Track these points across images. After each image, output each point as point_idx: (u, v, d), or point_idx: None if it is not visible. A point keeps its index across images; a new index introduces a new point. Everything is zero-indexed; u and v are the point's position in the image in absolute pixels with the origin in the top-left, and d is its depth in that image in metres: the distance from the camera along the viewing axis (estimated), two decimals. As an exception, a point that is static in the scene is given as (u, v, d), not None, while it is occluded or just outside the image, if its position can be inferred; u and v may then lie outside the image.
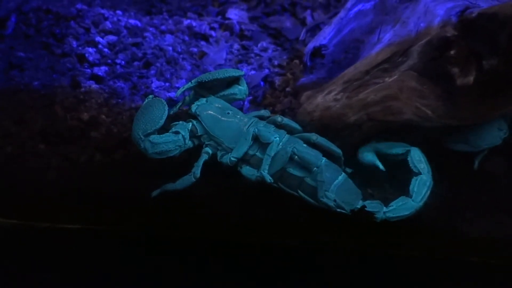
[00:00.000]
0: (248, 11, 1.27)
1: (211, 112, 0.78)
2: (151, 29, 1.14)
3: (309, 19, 1.25)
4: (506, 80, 0.72)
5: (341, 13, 0.92)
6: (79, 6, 1.12)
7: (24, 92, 0.94)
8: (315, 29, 1.22)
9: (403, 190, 0.78)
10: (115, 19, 1.12)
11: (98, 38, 1.03)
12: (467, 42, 0.74)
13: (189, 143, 0.77)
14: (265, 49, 1.13)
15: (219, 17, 1.24)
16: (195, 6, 1.28)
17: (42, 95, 0.93)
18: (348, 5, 0.92)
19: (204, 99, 0.81)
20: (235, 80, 0.86)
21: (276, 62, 1.08)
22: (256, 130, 0.75)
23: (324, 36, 0.90)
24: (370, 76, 0.80)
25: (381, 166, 0.79)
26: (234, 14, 1.24)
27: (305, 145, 0.76)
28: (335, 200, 0.73)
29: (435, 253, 0.85)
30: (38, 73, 0.98)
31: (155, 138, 0.74)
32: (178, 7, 1.26)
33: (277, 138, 0.73)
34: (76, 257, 0.82)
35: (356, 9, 0.91)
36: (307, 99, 0.83)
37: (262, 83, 1.01)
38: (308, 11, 1.27)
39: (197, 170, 0.75)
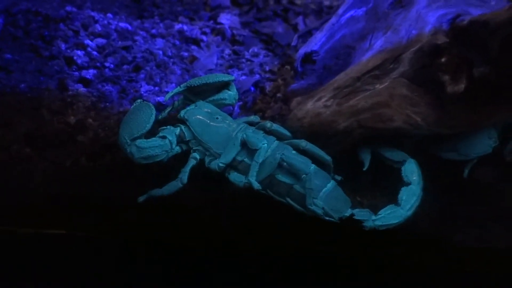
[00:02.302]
0: (240, 16, 1.26)
1: (200, 117, 0.77)
2: (141, 32, 1.13)
3: (301, 25, 1.25)
4: (496, 88, 0.71)
5: (333, 19, 0.91)
6: (68, 8, 1.10)
7: (10, 94, 0.92)
8: (307, 35, 1.22)
9: (393, 198, 0.78)
10: (105, 22, 1.11)
11: (87, 41, 1.02)
12: (458, 49, 0.74)
13: (177, 148, 0.76)
14: (256, 55, 1.13)
15: (211, 21, 1.23)
16: (187, 11, 1.27)
17: (29, 98, 0.91)
18: (340, 11, 0.92)
19: (193, 104, 0.80)
20: (225, 85, 0.85)
21: (267, 68, 1.08)
22: (245, 135, 0.74)
23: (315, 42, 0.90)
24: (361, 83, 0.80)
25: (365, 165, 0.79)
26: (226, 19, 1.23)
27: (294, 151, 0.75)
28: (323, 208, 0.72)
29: (425, 262, 0.85)
30: (25, 75, 0.96)
31: (141, 142, 0.73)
32: (169, 11, 1.25)
33: (265, 145, 0.72)
34: (61, 263, 0.80)
35: (348, 15, 0.91)
36: (297, 105, 0.82)
37: (252, 88, 1.01)
38: (300, 17, 1.26)
39: (184, 175, 0.74)
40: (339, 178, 0.79)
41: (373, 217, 0.73)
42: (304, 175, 0.73)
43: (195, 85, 0.82)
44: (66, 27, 1.06)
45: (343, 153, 0.81)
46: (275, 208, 0.76)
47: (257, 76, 1.04)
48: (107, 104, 0.92)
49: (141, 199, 0.77)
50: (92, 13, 1.12)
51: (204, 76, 0.84)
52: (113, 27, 1.10)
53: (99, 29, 1.07)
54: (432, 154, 0.85)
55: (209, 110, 0.79)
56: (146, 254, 0.80)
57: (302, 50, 0.91)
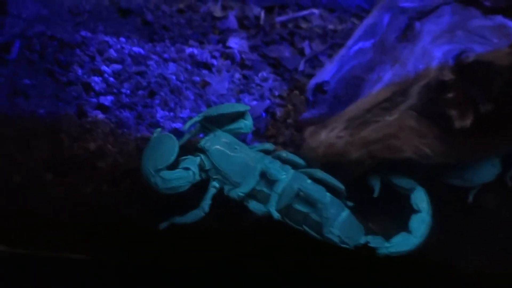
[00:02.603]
0: (248, 40, 1.30)
1: (219, 147, 0.81)
2: (154, 56, 1.15)
3: (307, 50, 1.29)
4: (501, 123, 0.76)
5: (342, 51, 0.95)
6: (83, 33, 1.13)
7: (29, 120, 0.95)
8: (313, 60, 1.26)
9: (403, 225, 0.82)
10: (118, 46, 1.14)
11: (104, 67, 1.05)
12: (464, 85, 0.79)
13: (198, 178, 0.79)
14: (265, 79, 1.16)
15: (220, 45, 1.26)
16: (196, 34, 1.30)
17: (48, 123, 0.94)
18: (349, 43, 0.96)
19: (212, 134, 0.84)
20: (240, 114, 0.89)
21: (276, 93, 1.11)
22: (264, 167, 0.77)
23: (326, 73, 0.94)
24: (371, 115, 0.83)
25: (375, 192, 0.83)
26: (235, 42, 1.27)
27: (310, 181, 0.78)
28: (339, 236, 0.75)
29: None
30: (43, 100, 0.99)
31: (166, 174, 0.76)
32: (179, 34, 1.28)
33: (285, 177, 0.76)
34: None
35: (356, 47, 0.95)
36: (311, 135, 0.86)
37: (264, 114, 1.04)
38: (306, 42, 1.30)
39: (205, 204, 0.77)
40: (350, 204, 0.82)
41: (386, 244, 0.77)
42: (320, 204, 0.76)
43: (213, 115, 0.85)
44: (82, 52, 1.08)
45: (354, 180, 0.85)
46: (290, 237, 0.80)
47: (268, 102, 1.07)
48: (125, 130, 0.94)
49: (163, 225, 0.80)
50: (106, 38, 1.15)
51: (220, 105, 0.87)
52: (126, 51, 1.13)
53: (114, 54, 1.10)
54: (438, 180, 0.89)
55: (227, 141, 0.83)
56: (167, 280, 0.83)
57: (313, 81, 0.95)
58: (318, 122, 0.89)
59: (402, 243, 0.77)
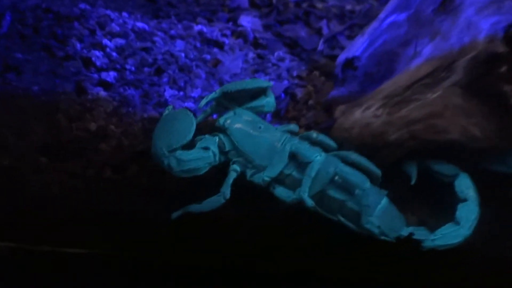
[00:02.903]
0: (260, 19, 1.20)
1: (241, 126, 0.71)
2: (159, 33, 1.06)
3: (325, 29, 1.20)
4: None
5: (374, 24, 0.86)
6: (82, 6, 1.03)
7: (22, 97, 0.84)
8: (332, 40, 1.17)
9: (445, 216, 0.73)
10: (121, 21, 1.04)
11: (105, 41, 0.95)
12: (518, 58, 0.70)
13: (217, 159, 0.69)
14: (282, 59, 1.07)
15: (230, 23, 1.17)
16: (204, 11, 1.21)
17: (43, 102, 0.83)
18: (381, 15, 0.87)
19: (232, 112, 0.74)
20: (261, 91, 0.79)
21: (294, 73, 1.02)
22: (294, 147, 0.68)
23: (357, 47, 0.85)
24: (411, 92, 0.75)
25: (413, 179, 0.74)
26: (247, 21, 1.17)
27: (347, 165, 0.69)
28: (379, 227, 0.66)
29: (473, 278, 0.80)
30: (38, 77, 0.88)
31: (182, 154, 0.66)
32: (186, 11, 1.19)
33: (318, 157, 0.66)
34: (81, 286, 0.72)
35: (389, 20, 0.86)
36: (342, 114, 0.77)
37: (283, 95, 0.95)
38: (324, 21, 1.21)
39: (226, 190, 0.67)
40: (385, 192, 0.73)
41: (432, 236, 0.68)
42: (358, 191, 0.67)
43: (232, 90, 0.75)
44: (81, 25, 0.98)
45: (391, 165, 0.75)
46: (321, 229, 0.70)
47: (286, 82, 0.98)
48: (130, 109, 0.85)
49: (175, 215, 0.70)
50: (107, 12, 1.05)
51: (241, 81, 0.78)
52: (129, 26, 1.03)
53: (117, 28, 0.99)
54: (477, 166, 0.80)
55: (249, 119, 0.73)
56: (179, 277, 0.73)
57: (343, 55, 0.85)
58: (349, 101, 0.80)
59: (450, 235, 0.68)
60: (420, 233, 0.68)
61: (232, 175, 0.69)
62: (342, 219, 0.68)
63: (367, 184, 0.66)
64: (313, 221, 0.70)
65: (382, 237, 0.67)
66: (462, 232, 0.68)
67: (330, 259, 0.77)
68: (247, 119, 0.72)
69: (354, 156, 0.71)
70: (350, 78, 0.83)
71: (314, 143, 0.72)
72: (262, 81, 0.78)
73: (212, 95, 0.76)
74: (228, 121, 0.71)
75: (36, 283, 0.71)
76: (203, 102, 0.75)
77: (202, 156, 0.66)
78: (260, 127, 0.72)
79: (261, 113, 0.78)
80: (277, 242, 0.73)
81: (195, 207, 0.68)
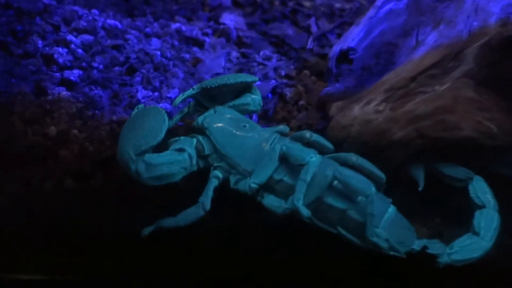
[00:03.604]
0: (244, 17, 1.12)
1: (223, 125, 0.61)
2: (133, 31, 0.96)
3: (313, 27, 1.12)
4: None
5: (370, 12, 0.78)
6: (46, 1, 0.93)
7: (-29, 100, 0.73)
8: (322, 38, 1.09)
9: (460, 225, 0.63)
10: (90, 18, 0.94)
11: (70, 37, 0.84)
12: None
13: (195, 166, 0.59)
14: (268, 58, 0.98)
15: (211, 22, 1.08)
16: (183, 10, 1.12)
17: (-4, 103, 0.73)
18: (378, 3, 0.78)
19: (212, 110, 0.64)
20: (246, 88, 0.69)
21: (283, 73, 0.93)
22: (284, 147, 0.57)
23: (352, 38, 0.76)
24: (416, 84, 0.66)
25: (420, 185, 0.65)
26: (230, 19, 1.08)
27: (347, 168, 0.59)
28: (387, 240, 0.56)
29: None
30: (-8, 77, 0.78)
31: (152, 158, 0.55)
32: (163, 10, 1.10)
33: (314, 159, 0.56)
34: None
35: (387, 7, 0.78)
36: (339, 111, 0.67)
37: (270, 95, 0.85)
38: (313, 19, 1.13)
39: (206, 200, 0.56)
40: (390, 200, 0.63)
41: (448, 250, 0.58)
42: (361, 198, 0.57)
43: (212, 86, 0.65)
44: (44, 21, 0.88)
45: (395, 168, 0.66)
46: (317, 244, 0.60)
47: (273, 82, 0.89)
48: (96, 111, 0.74)
49: (146, 231, 0.59)
50: (75, 8, 0.95)
51: (222, 76, 0.68)
52: (99, 24, 0.93)
53: (84, 24, 0.89)
54: (483, 169, 0.71)
55: (232, 116, 0.63)
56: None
57: (336, 47, 0.77)
58: (345, 98, 0.70)
59: (469, 248, 0.58)
60: (435, 247, 0.58)
61: (213, 183, 0.59)
62: (343, 231, 0.57)
63: (372, 189, 0.56)
64: (309, 236, 0.59)
65: (391, 253, 0.57)
66: (483, 244, 0.59)
67: (329, 280, 0.66)
68: (230, 117, 0.62)
69: (354, 158, 0.61)
70: (346, 72, 0.74)
71: (307, 144, 0.62)
72: (246, 76, 0.68)
73: (190, 91, 0.66)
74: (208, 120, 0.61)
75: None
76: (179, 99, 0.65)
77: (176, 160, 0.56)
78: (245, 126, 0.62)
79: (246, 113, 0.69)
80: (267, 263, 0.62)
81: (169, 221, 0.58)
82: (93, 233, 0.63)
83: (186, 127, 0.69)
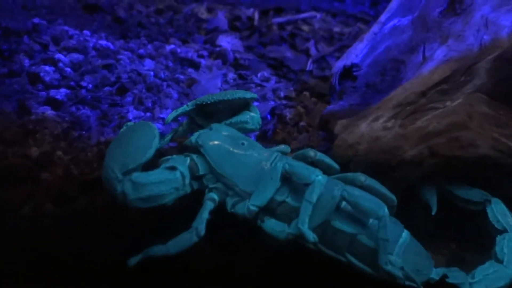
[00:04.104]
0: (241, 40, 1.09)
1: (219, 143, 0.56)
2: (126, 52, 0.92)
3: (312, 50, 1.09)
4: None
5: (375, 28, 0.74)
6: (36, 20, 0.89)
7: None
8: (321, 61, 1.06)
9: (480, 252, 0.57)
10: (81, 38, 0.91)
11: (59, 56, 0.81)
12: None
13: (188, 186, 0.53)
14: (266, 79, 0.94)
15: (208, 45, 1.05)
16: (179, 33, 1.09)
17: (-25, 123, 0.68)
18: (382, 18, 0.75)
19: (207, 128, 0.59)
20: (243, 106, 0.65)
21: (282, 94, 0.89)
22: (287, 165, 0.52)
23: (356, 54, 0.72)
24: (426, 99, 0.62)
25: (433, 209, 0.60)
26: (226, 41, 1.05)
27: (356, 187, 0.53)
28: (402, 268, 0.50)
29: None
30: (-28, 96, 0.73)
31: (139, 176, 0.50)
32: (158, 33, 1.07)
33: (320, 177, 0.51)
34: None
35: (391, 24, 0.74)
36: (344, 129, 0.62)
37: (269, 116, 0.81)
38: (312, 42, 1.11)
39: (200, 225, 0.51)
40: (402, 225, 0.57)
41: (470, 279, 0.52)
42: (373, 221, 0.51)
43: (207, 102, 0.61)
44: (32, 40, 0.84)
45: (406, 190, 0.61)
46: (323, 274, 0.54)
47: (272, 103, 0.85)
48: (83, 132, 0.70)
49: (132, 261, 0.53)
50: (65, 27, 0.91)
51: (218, 92, 0.63)
52: (91, 44, 0.90)
53: (74, 43, 0.86)
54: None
55: (229, 134, 0.58)
56: None
57: (340, 63, 0.73)
58: (349, 116, 0.66)
59: (493, 276, 0.52)
60: (455, 275, 0.52)
61: (208, 206, 0.53)
62: (352, 259, 0.51)
63: (385, 210, 0.50)
64: (315, 264, 0.53)
65: (407, 283, 0.51)
66: (507, 272, 0.53)
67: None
68: (227, 134, 0.57)
69: (362, 179, 0.55)
70: (350, 89, 0.70)
71: (312, 164, 0.57)
72: (245, 92, 0.63)
73: (184, 108, 0.62)
74: (203, 137, 0.56)
75: None
76: (172, 115, 0.61)
77: (166, 178, 0.50)
78: (243, 144, 0.57)
79: (244, 132, 0.64)
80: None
81: (158, 249, 0.51)
82: (75, 262, 0.56)
83: (179, 147, 0.64)
